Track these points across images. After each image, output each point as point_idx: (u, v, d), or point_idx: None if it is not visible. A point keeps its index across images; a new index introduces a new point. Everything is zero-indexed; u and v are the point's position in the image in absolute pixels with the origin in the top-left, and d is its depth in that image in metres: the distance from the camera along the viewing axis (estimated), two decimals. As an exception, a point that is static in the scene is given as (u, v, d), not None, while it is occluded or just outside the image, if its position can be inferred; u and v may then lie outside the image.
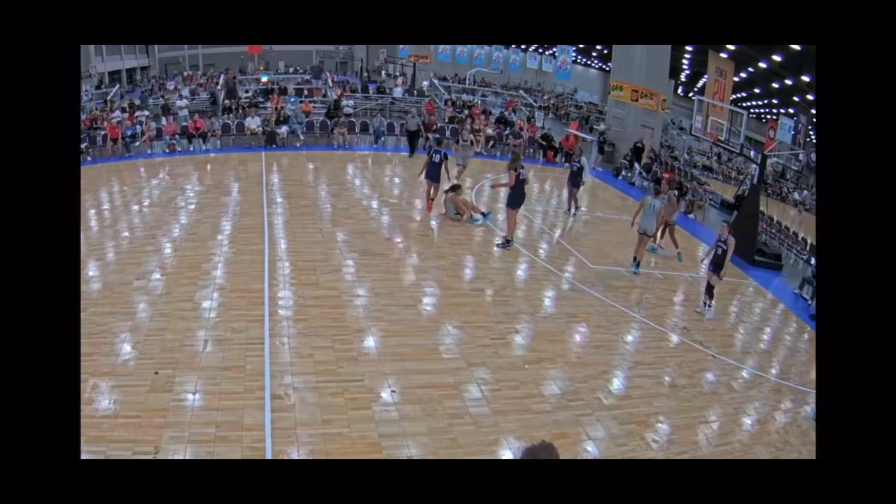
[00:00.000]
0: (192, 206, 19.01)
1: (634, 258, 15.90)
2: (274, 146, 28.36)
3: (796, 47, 30.08)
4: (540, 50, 58.77)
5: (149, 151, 27.58)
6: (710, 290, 14.05)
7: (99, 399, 8.98)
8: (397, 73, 47.82)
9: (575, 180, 21.06)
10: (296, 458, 8.01)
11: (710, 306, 14.04)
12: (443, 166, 18.89)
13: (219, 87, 36.13)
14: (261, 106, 32.48)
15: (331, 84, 38.26)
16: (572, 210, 21.27)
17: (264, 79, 39.67)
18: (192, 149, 27.79)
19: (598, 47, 55.60)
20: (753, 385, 11.20)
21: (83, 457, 7.71)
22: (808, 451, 9.44)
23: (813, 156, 22.57)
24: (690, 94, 45.82)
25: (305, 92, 36.43)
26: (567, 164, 24.82)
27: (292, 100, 33.72)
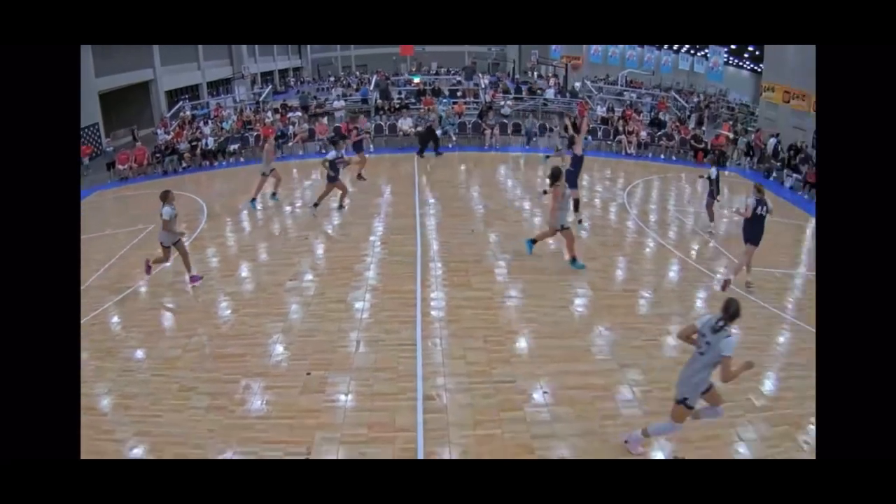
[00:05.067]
0: (346, 208, 19.39)
1: None
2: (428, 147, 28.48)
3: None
4: (692, 51, 57.33)
5: (300, 153, 28.39)
6: None
7: (252, 400, 9.26)
8: (550, 75, 47.49)
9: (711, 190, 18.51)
10: (447, 458, 7.94)
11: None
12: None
13: (371, 88, 36.77)
14: (412, 107, 32.87)
15: (483, 85, 38.28)
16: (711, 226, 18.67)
17: (416, 80, 40.13)
18: (345, 150, 28.07)
19: (751, 48, 53.77)
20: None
21: (233, 457, 7.98)
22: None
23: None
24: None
25: (459, 93, 36.61)
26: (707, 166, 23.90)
27: (445, 101, 33.92)
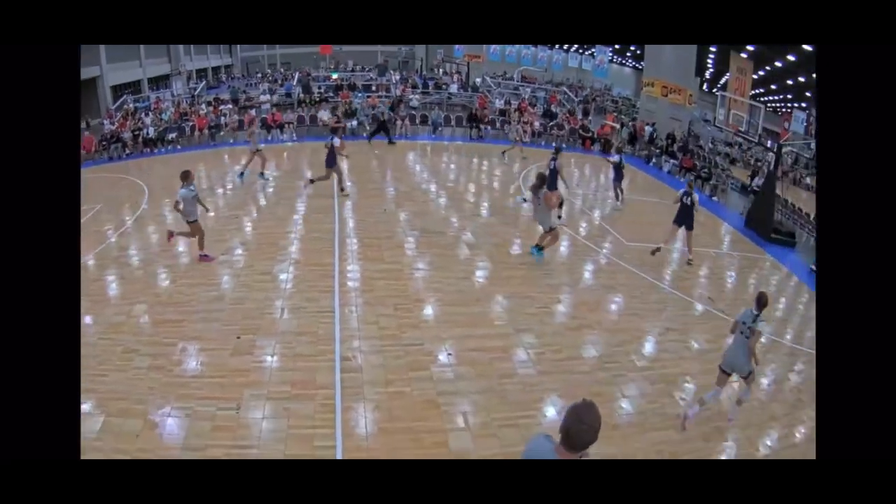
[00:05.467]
0: (271, 190, 19.47)
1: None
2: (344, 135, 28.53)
3: (808, 48, 29.23)
4: (580, 50, 58.28)
5: (231, 141, 28.18)
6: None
7: (187, 361, 9.37)
8: (453, 72, 47.69)
9: (616, 174, 20.17)
10: (362, 413, 8.23)
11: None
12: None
13: (294, 83, 36.54)
14: (331, 100, 32.94)
15: (394, 81, 38.39)
16: (619, 201, 20.26)
17: (335, 76, 39.95)
18: (270, 138, 28.29)
19: (632, 48, 55.29)
20: (770, 349, 10.95)
21: (172, 414, 8.08)
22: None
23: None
24: (714, 90, 45.11)
25: (373, 87, 36.67)
26: (605, 154, 25.07)
27: (360, 95, 34.01)
